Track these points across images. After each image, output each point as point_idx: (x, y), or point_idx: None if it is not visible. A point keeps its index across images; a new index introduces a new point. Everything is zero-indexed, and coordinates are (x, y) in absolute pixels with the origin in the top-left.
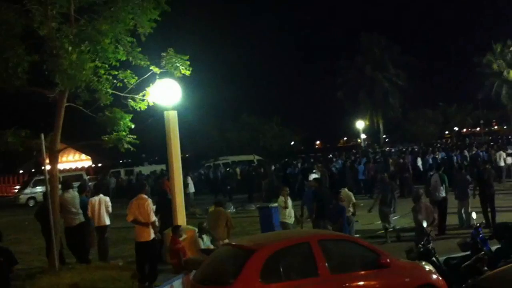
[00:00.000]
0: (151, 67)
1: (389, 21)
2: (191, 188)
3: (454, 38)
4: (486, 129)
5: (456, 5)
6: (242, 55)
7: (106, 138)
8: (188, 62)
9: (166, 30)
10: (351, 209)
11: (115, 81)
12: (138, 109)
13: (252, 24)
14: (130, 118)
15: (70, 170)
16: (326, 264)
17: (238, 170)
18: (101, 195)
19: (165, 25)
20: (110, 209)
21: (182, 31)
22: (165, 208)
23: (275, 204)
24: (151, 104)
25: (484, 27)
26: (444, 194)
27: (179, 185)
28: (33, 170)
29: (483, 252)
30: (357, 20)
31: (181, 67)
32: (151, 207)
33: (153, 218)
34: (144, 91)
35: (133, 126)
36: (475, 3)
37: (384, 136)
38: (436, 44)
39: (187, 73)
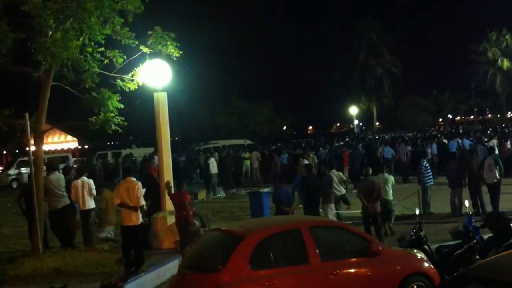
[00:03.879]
0: (140, 47)
1: (383, 7)
2: (214, 169)
3: (448, 25)
4: (480, 117)
5: None
6: (233, 38)
7: (93, 119)
8: (175, 43)
9: (155, 11)
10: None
11: (102, 58)
12: (127, 90)
13: (243, 6)
14: (118, 98)
15: (55, 151)
16: (317, 251)
17: (202, 156)
18: (84, 178)
19: (154, 6)
20: (93, 191)
21: (171, 13)
22: (154, 192)
23: (266, 189)
24: (140, 84)
25: (479, 15)
26: (498, 177)
27: (168, 168)
28: (17, 151)
29: (474, 241)
30: (351, 5)
31: (170, 45)
32: (141, 190)
33: (143, 202)
34: (133, 71)
35: (122, 106)
36: None
37: (377, 123)
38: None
39: (176, 53)
